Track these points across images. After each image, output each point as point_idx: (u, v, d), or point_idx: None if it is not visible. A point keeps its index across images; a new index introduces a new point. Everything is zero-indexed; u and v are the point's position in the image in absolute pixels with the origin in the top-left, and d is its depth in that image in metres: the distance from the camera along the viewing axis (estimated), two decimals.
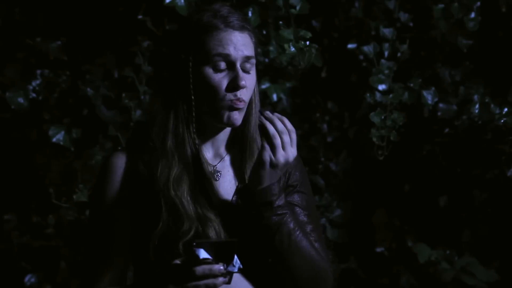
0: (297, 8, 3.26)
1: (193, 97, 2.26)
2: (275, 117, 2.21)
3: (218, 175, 2.32)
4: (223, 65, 2.24)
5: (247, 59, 2.26)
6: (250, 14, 3.26)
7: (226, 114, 2.25)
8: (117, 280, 2.29)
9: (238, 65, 2.24)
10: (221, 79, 2.24)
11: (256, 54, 2.31)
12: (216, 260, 2.06)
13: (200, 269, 2.06)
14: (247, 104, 2.28)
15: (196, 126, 2.27)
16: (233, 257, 2.07)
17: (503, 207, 3.97)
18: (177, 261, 2.11)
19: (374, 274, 4.03)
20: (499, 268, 3.90)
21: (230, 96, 2.23)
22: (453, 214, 3.99)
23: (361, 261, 4.01)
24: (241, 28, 2.26)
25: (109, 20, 3.63)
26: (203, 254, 2.05)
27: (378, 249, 3.95)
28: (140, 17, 3.45)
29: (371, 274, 4.03)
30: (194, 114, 2.26)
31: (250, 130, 2.32)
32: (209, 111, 2.26)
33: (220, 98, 2.23)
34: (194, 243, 2.06)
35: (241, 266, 2.09)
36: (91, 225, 2.31)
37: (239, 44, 2.25)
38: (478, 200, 3.99)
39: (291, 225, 2.22)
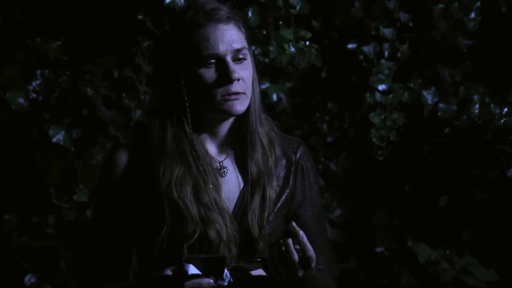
0: (297, 8, 3.26)
1: (186, 98, 2.23)
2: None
3: (224, 171, 2.30)
4: (213, 61, 2.21)
5: (237, 52, 2.22)
6: (250, 14, 3.26)
7: (225, 106, 2.22)
8: (120, 276, 2.29)
9: (228, 58, 2.21)
10: (212, 75, 2.21)
11: (249, 43, 2.27)
12: (205, 275, 2.06)
13: (189, 283, 2.06)
14: (247, 94, 2.24)
15: (193, 124, 2.26)
16: (223, 271, 2.08)
17: (503, 207, 3.97)
18: (169, 272, 2.11)
19: (374, 274, 4.03)
20: (499, 268, 3.90)
21: (223, 91, 2.21)
22: (453, 214, 3.99)
23: (361, 261, 4.01)
24: (226, 20, 2.22)
25: (109, 20, 3.62)
26: (192, 269, 2.06)
27: (378, 249, 3.94)
28: (140, 17, 3.45)
29: (371, 274, 4.03)
30: (188, 113, 2.25)
31: (250, 122, 2.29)
32: (207, 107, 2.24)
33: (214, 94, 2.20)
34: (184, 258, 2.07)
35: (232, 280, 2.09)
36: (95, 220, 2.32)
37: (225, 37, 2.21)
38: (478, 200, 3.98)
39: (317, 276, 2.22)
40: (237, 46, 2.22)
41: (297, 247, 2.10)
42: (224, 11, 2.23)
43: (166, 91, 2.27)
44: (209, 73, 2.21)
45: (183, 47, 2.23)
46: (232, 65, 2.21)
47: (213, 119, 2.28)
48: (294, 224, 2.11)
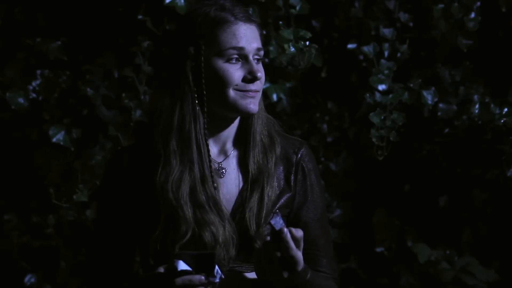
0: (297, 8, 3.26)
1: (205, 92, 2.25)
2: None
3: (223, 172, 2.31)
4: (236, 57, 2.24)
5: (258, 51, 2.27)
6: None
7: (243, 103, 2.24)
8: (124, 275, 2.29)
9: (251, 57, 2.25)
10: (235, 71, 2.24)
11: (263, 45, 2.32)
12: (196, 271, 2.06)
13: (180, 280, 2.07)
14: (260, 94, 2.28)
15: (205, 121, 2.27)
16: (214, 268, 2.08)
17: (503, 207, 3.97)
18: (161, 269, 2.11)
19: (374, 274, 4.03)
20: (499, 268, 3.90)
21: (242, 87, 2.23)
22: (453, 214, 3.99)
23: (361, 261, 4.01)
24: (249, 20, 2.27)
25: (109, 20, 3.63)
26: (182, 265, 2.06)
27: (378, 249, 3.94)
28: (140, 17, 3.45)
29: (371, 274, 4.03)
30: (206, 108, 2.26)
31: (254, 122, 2.31)
32: (222, 104, 2.25)
33: (231, 90, 2.23)
34: (174, 254, 2.08)
35: (223, 277, 2.09)
36: (98, 222, 2.33)
37: (250, 36, 2.26)
38: (478, 200, 3.98)
39: (314, 280, 2.21)
40: (258, 45, 2.27)
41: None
42: (247, 12, 2.29)
43: (178, 85, 2.27)
44: (233, 69, 2.24)
45: (207, 40, 2.24)
46: (255, 64, 2.26)
47: (223, 118, 2.28)
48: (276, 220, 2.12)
